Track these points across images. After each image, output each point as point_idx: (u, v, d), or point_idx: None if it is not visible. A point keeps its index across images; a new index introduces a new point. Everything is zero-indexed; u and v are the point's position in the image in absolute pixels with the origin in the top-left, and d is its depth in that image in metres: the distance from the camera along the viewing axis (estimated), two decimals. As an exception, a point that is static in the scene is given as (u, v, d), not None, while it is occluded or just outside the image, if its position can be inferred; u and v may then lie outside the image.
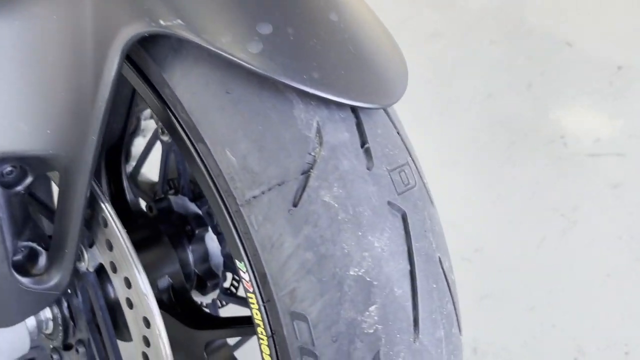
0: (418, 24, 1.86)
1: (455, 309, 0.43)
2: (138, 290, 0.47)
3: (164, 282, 0.66)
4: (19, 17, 0.42)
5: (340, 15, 0.40)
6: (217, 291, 0.71)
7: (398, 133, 0.43)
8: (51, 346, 0.66)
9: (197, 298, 0.68)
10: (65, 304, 0.61)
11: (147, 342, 0.49)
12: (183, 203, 0.66)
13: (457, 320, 0.43)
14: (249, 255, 0.41)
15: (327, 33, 0.39)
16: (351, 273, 0.38)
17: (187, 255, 0.67)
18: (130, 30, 0.38)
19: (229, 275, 0.75)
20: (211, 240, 0.72)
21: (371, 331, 0.39)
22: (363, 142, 0.40)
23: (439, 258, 0.42)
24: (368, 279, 0.39)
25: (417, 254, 0.40)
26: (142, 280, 0.47)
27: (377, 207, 0.39)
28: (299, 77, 0.36)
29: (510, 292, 1.15)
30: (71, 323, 0.61)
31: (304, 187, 0.38)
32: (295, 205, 0.38)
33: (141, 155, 0.73)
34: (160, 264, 0.66)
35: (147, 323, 0.47)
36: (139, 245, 0.66)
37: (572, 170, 1.39)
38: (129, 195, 0.68)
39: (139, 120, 0.72)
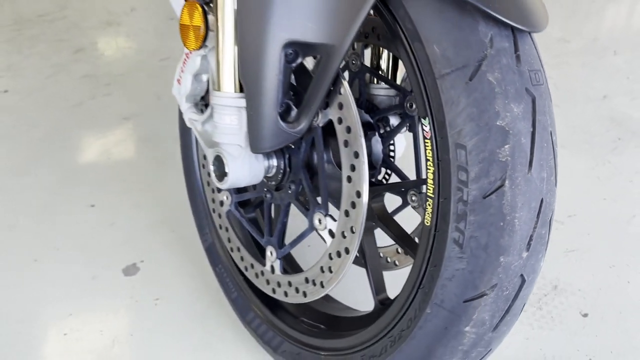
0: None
1: (555, 166, 0.69)
2: (356, 134, 0.77)
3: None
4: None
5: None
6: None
7: (537, 51, 0.69)
8: (265, 189, 0.99)
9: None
10: (286, 156, 0.93)
11: (352, 168, 0.78)
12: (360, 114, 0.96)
13: (555, 174, 0.69)
14: (432, 111, 0.69)
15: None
16: (497, 123, 0.66)
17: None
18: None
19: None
20: (377, 142, 1.01)
21: (503, 160, 0.66)
22: (515, 50, 0.67)
23: (550, 132, 0.68)
24: (507, 129, 0.66)
25: (538, 123, 0.67)
26: (358, 127, 0.76)
27: (519, 89, 0.66)
28: (488, 5, 0.64)
29: (595, 251, 1.35)
30: (288, 170, 0.93)
31: (477, 70, 0.66)
32: (470, 79, 0.66)
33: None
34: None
35: (356, 154, 0.77)
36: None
37: (671, 167, 1.57)
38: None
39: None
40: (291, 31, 0.75)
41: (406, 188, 0.97)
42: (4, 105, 1.93)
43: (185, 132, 1.21)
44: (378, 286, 0.93)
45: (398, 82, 1.02)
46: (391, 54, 1.02)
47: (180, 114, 1.20)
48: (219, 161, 0.89)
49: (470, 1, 0.64)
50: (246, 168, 0.89)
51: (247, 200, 1.07)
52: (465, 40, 0.66)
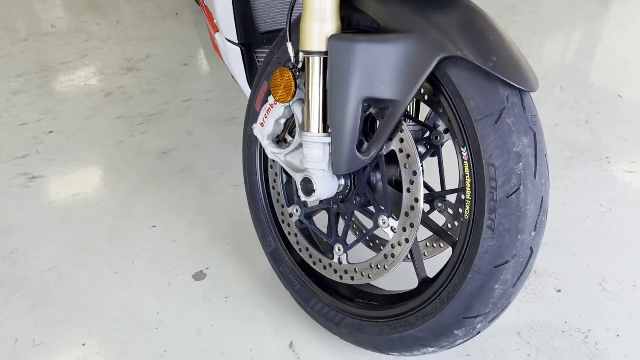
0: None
1: (548, 176, 1.07)
2: (414, 159, 1.13)
3: (393, 177, 1.32)
4: (389, 45, 1.10)
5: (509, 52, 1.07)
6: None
7: (533, 103, 1.08)
8: (332, 201, 1.34)
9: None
10: (352, 177, 1.28)
11: (411, 182, 1.14)
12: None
13: (549, 181, 1.08)
14: (470, 143, 1.07)
15: (513, 61, 1.05)
16: (514, 150, 1.03)
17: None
18: (444, 53, 1.04)
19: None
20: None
21: (519, 172, 1.03)
22: (522, 104, 1.05)
23: (545, 154, 1.07)
24: (520, 153, 1.03)
25: (538, 149, 1.05)
26: (416, 154, 1.13)
27: (526, 128, 1.04)
28: (507, 76, 1.02)
29: (561, 244, 1.75)
30: (353, 188, 1.28)
31: (500, 116, 1.04)
32: (496, 122, 1.04)
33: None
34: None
35: (414, 172, 1.13)
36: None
37: (611, 179, 2.01)
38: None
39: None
40: (368, 91, 1.12)
41: (442, 196, 1.34)
42: (53, 146, 2.20)
43: (250, 162, 1.54)
44: (420, 269, 1.29)
45: (421, 119, 1.40)
46: (415, 99, 1.40)
47: (246, 150, 1.54)
48: (306, 182, 1.24)
49: (493, 73, 1.02)
50: (328, 186, 1.23)
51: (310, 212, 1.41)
52: (491, 98, 1.04)
